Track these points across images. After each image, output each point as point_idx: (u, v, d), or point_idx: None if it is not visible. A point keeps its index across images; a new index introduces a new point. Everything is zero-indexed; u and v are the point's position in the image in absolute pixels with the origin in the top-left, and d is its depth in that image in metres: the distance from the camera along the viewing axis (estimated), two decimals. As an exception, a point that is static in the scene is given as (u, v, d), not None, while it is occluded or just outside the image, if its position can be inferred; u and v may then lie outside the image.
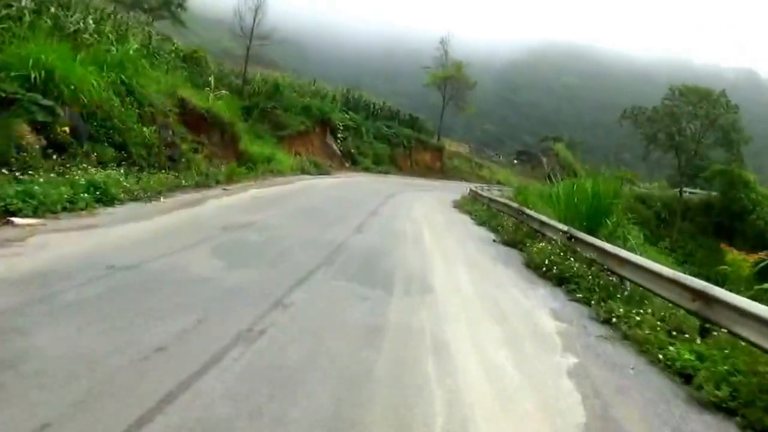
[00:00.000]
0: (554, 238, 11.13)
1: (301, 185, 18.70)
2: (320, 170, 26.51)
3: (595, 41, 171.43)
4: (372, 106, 42.45)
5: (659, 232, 30.31)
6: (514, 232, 13.06)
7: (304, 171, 24.29)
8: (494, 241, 12.98)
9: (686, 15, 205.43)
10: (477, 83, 46.81)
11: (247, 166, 21.19)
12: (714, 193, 31.70)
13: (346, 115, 38.44)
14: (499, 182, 45.76)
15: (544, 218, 12.66)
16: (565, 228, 11.01)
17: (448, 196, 25.54)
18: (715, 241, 29.17)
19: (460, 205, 21.24)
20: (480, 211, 19.19)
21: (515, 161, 58.07)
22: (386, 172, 37.27)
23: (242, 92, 31.87)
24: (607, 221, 11.99)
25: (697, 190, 57.82)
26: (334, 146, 36.43)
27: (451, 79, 45.71)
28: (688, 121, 38.82)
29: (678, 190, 40.60)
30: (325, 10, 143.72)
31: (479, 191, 25.06)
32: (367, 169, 36.22)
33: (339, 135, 36.93)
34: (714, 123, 39.26)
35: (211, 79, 23.58)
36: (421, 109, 49.84)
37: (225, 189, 14.44)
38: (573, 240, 10.27)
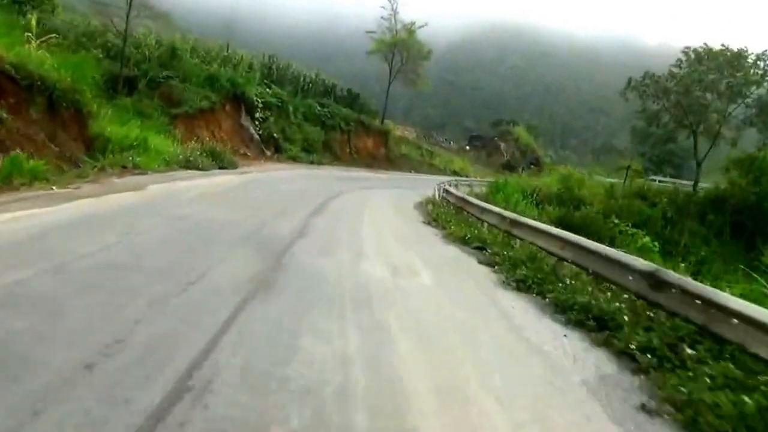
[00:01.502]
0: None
1: (151, 194, 10.82)
2: (220, 161, 18.59)
3: (540, 21, 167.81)
4: (302, 78, 34.48)
5: (670, 235, 24.30)
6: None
7: (189, 164, 16.33)
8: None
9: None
10: (432, 52, 39.61)
11: (91, 157, 13.40)
12: (723, 186, 26.42)
13: (267, 90, 30.37)
14: (455, 173, 39.06)
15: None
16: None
17: (407, 199, 18.55)
18: (734, 244, 23.40)
19: (437, 219, 14.09)
20: (489, 239, 11.07)
21: (467, 147, 51.53)
22: (319, 163, 29.61)
23: (122, 55, 23.25)
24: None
25: (668, 179, 53.26)
26: (252, 129, 28.37)
27: (400, 47, 38.33)
28: (711, 92, 31.67)
29: (672, 181, 34.84)
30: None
31: (450, 188, 18.35)
32: (294, 159, 28.44)
33: (258, 115, 28.89)
34: (743, 95, 31.98)
35: (32, 18, 15.14)
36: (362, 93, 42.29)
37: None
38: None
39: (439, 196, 18.49)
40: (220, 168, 18.29)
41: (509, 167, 47.32)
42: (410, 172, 36.74)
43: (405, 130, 47.86)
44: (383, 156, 37.24)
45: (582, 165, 70.65)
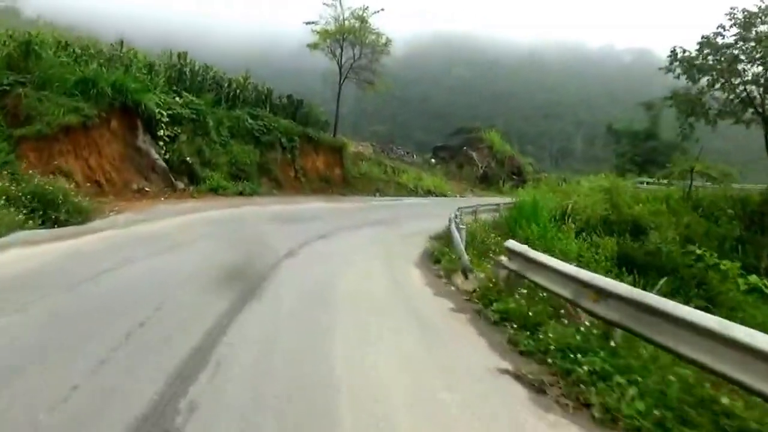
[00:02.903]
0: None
1: None
2: (54, 211, 10.42)
3: (482, 31, 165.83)
4: (227, 84, 26.40)
5: (744, 257, 17.42)
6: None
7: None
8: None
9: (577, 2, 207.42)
10: (392, 42, 32.27)
11: None
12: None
13: (176, 99, 22.28)
14: (430, 192, 31.72)
15: None
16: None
17: (400, 257, 11.74)
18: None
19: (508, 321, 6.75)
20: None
21: (433, 160, 44.35)
22: (253, 193, 21.57)
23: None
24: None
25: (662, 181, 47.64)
26: (153, 153, 20.13)
27: (351, 39, 30.84)
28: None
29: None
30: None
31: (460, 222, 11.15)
32: (217, 191, 20.31)
33: (163, 133, 20.76)
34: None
35: None
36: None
37: None
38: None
39: (454, 241, 11.04)
40: (57, 224, 10.16)
41: (486, 180, 40.48)
42: (375, 195, 29.13)
43: (360, 145, 40.35)
44: (339, 178, 29.46)
45: (557, 170, 64.75)
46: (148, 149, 20.25)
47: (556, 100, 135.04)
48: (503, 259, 7.84)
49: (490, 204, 20.54)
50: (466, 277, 8.65)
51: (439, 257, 10.71)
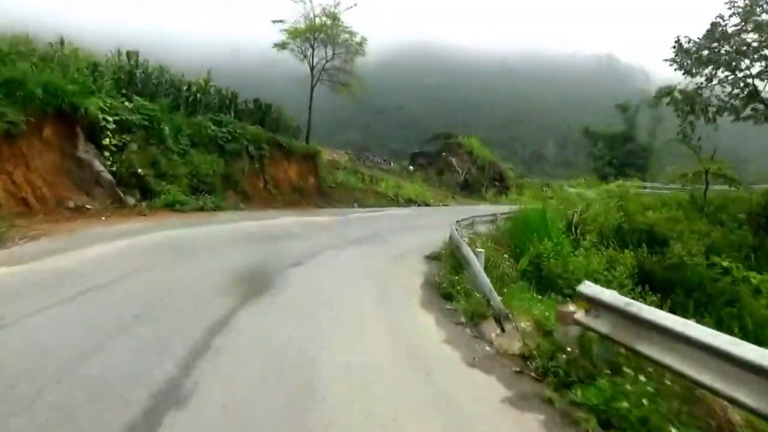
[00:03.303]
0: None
1: None
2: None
3: (451, 40, 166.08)
4: (186, 87, 23.71)
5: (758, 263, 15.42)
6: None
7: None
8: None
9: (540, 5, 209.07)
10: (367, 42, 29.88)
11: None
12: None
13: (125, 103, 19.54)
14: (411, 200, 29.45)
15: None
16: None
17: (404, 307, 8.34)
18: None
19: None
20: None
21: (411, 167, 42.16)
22: (216, 208, 18.93)
23: None
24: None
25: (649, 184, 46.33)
26: (98, 165, 17.37)
27: (322, 37, 28.42)
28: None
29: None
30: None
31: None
32: (173, 207, 17.60)
33: (109, 141, 18.01)
34: None
35: None
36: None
37: None
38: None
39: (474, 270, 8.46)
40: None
41: (468, 186, 38.45)
42: (353, 205, 26.70)
43: (335, 153, 37.95)
44: (314, 188, 26.94)
45: (530, 176, 63.30)
46: (91, 160, 17.46)
47: (527, 106, 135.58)
48: (576, 312, 5.29)
49: (486, 215, 18.26)
50: (503, 329, 6.21)
51: (450, 290, 8.30)
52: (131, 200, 18.09)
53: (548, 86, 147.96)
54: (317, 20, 28.41)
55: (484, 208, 31.06)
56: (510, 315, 6.38)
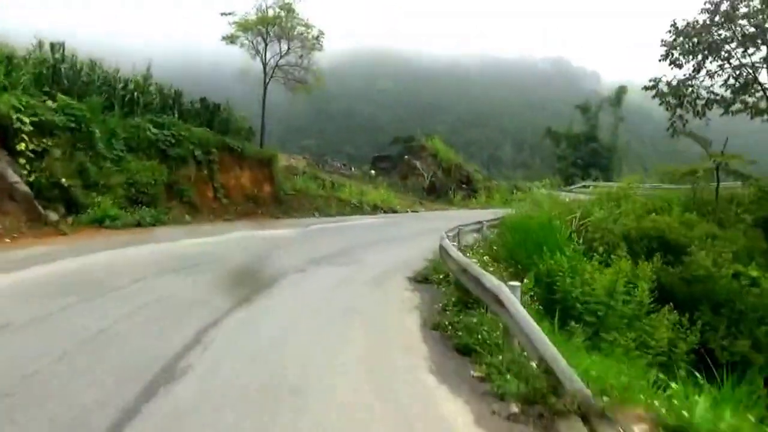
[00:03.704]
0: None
1: None
2: None
3: (405, 45, 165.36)
4: (122, 85, 20.91)
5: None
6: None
7: None
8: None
9: (492, 10, 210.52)
10: (324, 35, 27.49)
11: None
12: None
13: (46, 102, 16.77)
14: (377, 207, 27.37)
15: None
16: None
17: None
18: None
19: None
20: None
21: (373, 172, 40.08)
22: (156, 222, 16.33)
23: None
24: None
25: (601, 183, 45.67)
26: (10, 175, 14.58)
27: (276, 30, 25.95)
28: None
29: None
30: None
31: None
32: (103, 223, 14.91)
33: (26, 147, 15.24)
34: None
35: None
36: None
37: None
38: None
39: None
40: None
41: (435, 190, 36.67)
42: (314, 214, 24.39)
43: (292, 159, 35.51)
44: (270, 196, 24.46)
45: (494, 178, 62.23)
46: (4, 169, 14.66)
47: (481, 109, 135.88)
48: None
49: (470, 223, 16.25)
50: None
51: (468, 340, 5.87)
52: (54, 216, 15.29)
53: (502, 89, 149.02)
54: (270, 12, 26.00)
55: (456, 214, 29.27)
56: (607, 410, 3.86)
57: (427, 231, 19.67)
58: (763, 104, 19.98)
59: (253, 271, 10.19)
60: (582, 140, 54.22)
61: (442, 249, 9.70)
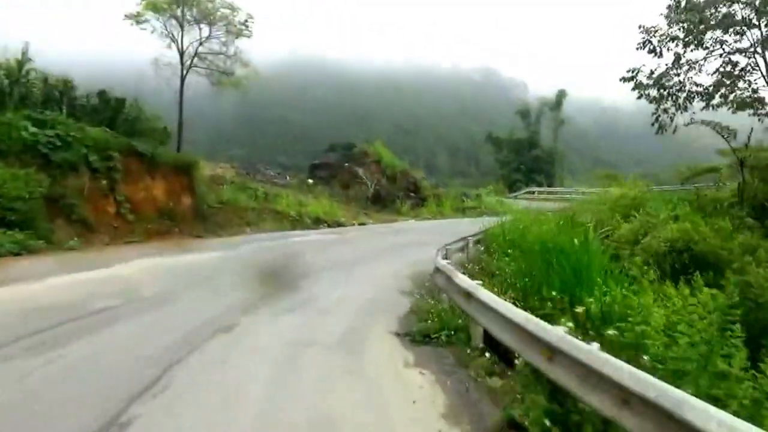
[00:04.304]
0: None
1: None
2: None
3: (338, 54, 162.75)
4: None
5: None
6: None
7: None
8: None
9: (423, 21, 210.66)
10: (254, 19, 23.42)
11: None
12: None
13: None
14: (320, 220, 23.67)
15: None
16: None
17: None
18: None
19: None
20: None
21: (310, 180, 36.27)
22: (22, 251, 11.90)
23: None
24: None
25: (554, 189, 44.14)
26: None
27: (194, 12, 21.76)
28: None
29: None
30: None
31: None
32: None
33: None
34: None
35: None
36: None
37: None
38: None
39: None
40: None
41: (380, 200, 33.33)
42: (246, 231, 20.37)
43: (219, 168, 31.09)
44: (190, 210, 20.19)
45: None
46: None
47: (416, 117, 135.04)
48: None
49: (455, 240, 12.78)
50: None
51: None
52: None
53: (433, 98, 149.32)
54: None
55: (409, 226, 26.02)
56: None
57: (385, 250, 16.21)
58: (746, 96, 17.90)
59: (144, 340, 6.29)
60: (524, 146, 52.83)
61: (457, 290, 6.23)
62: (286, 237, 18.72)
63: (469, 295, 5.50)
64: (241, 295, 8.60)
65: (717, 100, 18.29)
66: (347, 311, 7.74)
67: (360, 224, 25.13)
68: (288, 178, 36.87)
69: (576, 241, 8.00)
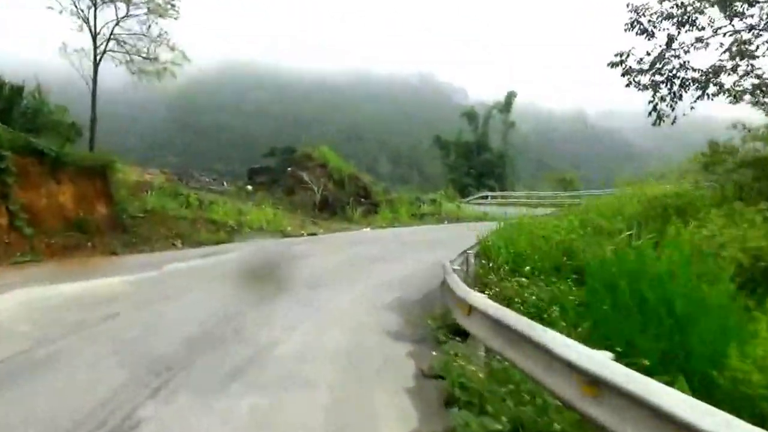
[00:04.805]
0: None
1: None
2: None
3: (277, 60, 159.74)
4: None
5: None
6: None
7: None
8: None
9: (358, 26, 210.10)
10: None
11: None
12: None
13: None
14: (263, 230, 20.82)
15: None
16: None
17: None
18: None
19: None
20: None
21: (249, 186, 33.20)
22: None
23: None
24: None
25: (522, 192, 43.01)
26: None
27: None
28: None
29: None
30: None
31: None
32: None
33: None
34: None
35: None
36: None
37: None
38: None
39: None
40: None
41: (328, 206, 30.68)
42: (175, 244, 17.21)
43: (147, 174, 27.59)
44: (106, 221, 16.86)
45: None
46: None
47: (356, 123, 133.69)
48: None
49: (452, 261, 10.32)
50: None
51: None
52: None
53: (373, 103, 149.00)
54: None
55: (365, 236, 23.50)
56: None
57: (343, 267, 13.64)
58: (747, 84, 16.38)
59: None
60: (472, 149, 51.59)
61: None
62: (226, 251, 15.76)
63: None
64: (150, 350, 5.83)
65: (712, 89, 16.69)
66: (314, 381, 5.08)
67: (309, 234, 22.37)
68: (225, 184, 33.62)
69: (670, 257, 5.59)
